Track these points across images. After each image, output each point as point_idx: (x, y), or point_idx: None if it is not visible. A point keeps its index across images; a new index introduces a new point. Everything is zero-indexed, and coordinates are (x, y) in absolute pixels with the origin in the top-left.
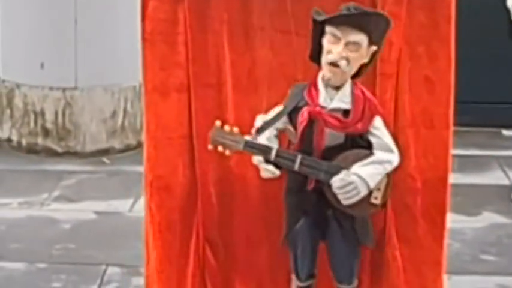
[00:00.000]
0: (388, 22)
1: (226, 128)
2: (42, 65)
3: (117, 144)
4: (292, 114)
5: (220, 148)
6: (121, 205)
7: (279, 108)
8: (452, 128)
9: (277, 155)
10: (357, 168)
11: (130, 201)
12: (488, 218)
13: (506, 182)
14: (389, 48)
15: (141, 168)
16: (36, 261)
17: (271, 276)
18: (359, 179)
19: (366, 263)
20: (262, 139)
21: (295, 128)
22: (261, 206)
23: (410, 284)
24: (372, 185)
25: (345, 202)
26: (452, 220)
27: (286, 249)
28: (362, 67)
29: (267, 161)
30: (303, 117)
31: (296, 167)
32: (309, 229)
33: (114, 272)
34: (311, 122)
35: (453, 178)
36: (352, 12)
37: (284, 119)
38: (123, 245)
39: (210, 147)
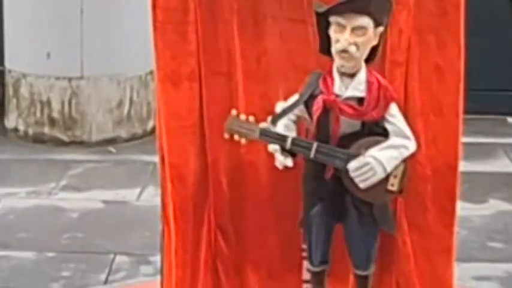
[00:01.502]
0: (391, 1)
1: (242, 116)
2: (48, 55)
3: (123, 133)
4: (308, 103)
5: (236, 137)
6: (128, 194)
7: (296, 97)
8: (462, 116)
9: (292, 143)
10: (372, 151)
11: (138, 190)
12: (495, 205)
13: None
14: (399, 36)
15: (147, 157)
16: (44, 250)
17: (282, 263)
18: (374, 160)
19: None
20: (280, 127)
21: (311, 116)
22: (272, 193)
23: (420, 270)
24: (388, 167)
25: (362, 185)
26: (459, 208)
27: (298, 236)
28: (373, 50)
29: (283, 150)
30: (317, 106)
31: (312, 154)
32: (325, 215)
33: (122, 261)
34: (326, 110)
35: (460, 158)
36: None
37: (301, 107)
38: (131, 234)
39: (226, 135)
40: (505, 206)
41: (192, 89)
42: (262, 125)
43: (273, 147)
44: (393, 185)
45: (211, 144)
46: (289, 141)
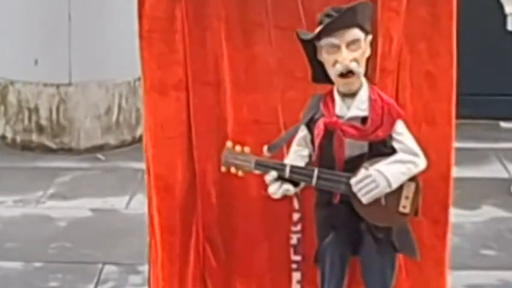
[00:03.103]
0: (370, 6)
1: (237, 148)
2: (36, 62)
3: (112, 140)
4: (311, 128)
5: (233, 169)
6: (117, 202)
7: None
8: (454, 125)
9: (291, 171)
10: (376, 165)
11: (126, 198)
12: (488, 212)
13: (505, 175)
14: (390, 44)
15: (136, 165)
16: (32, 260)
17: (271, 276)
18: (377, 172)
19: None
20: (293, 159)
21: (313, 141)
22: (262, 204)
23: (413, 281)
24: (394, 182)
25: (364, 199)
26: (452, 214)
27: (287, 249)
28: (367, 61)
29: (283, 179)
30: (319, 129)
31: (314, 181)
32: (339, 244)
33: (110, 271)
34: (329, 133)
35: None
36: (335, 14)
37: (308, 135)
38: (120, 243)
39: (223, 169)
40: (498, 212)
41: (179, 99)
42: (256, 156)
43: (268, 178)
44: (405, 206)
45: (199, 155)
46: (287, 169)
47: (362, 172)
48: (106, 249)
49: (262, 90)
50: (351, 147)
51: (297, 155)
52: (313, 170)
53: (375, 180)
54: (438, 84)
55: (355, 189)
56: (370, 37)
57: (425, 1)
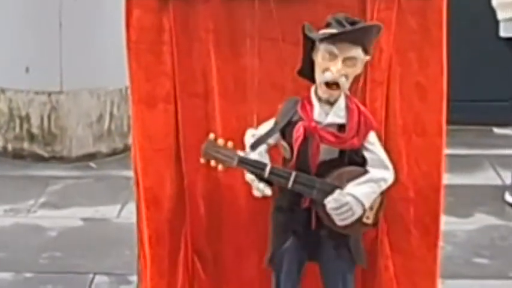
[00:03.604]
0: (379, 30)
1: (220, 141)
2: (27, 69)
3: (104, 148)
4: (285, 130)
5: (212, 162)
6: (108, 211)
7: (270, 123)
8: (445, 136)
9: (270, 172)
10: (351, 187)
11: (118, 207)
12: (481, 219)
13: (498, 181)
14: (379, 54)
15: (128, 173)
16: (23, 270)
17: (261, 287)
18: (354, 199)
19: (358, 273)
20: (254, 155)
21: (289, 144)
22: (250, 216)
23: None
24: (367, 204)
25: (339, 223)
26: (444, 222)
27: None
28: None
29: (260, 179)
30: (298, 133)
31: (290, 184)
32: (297, 250)
33: (102, 281)
34: (306, 138)
35: (444, 178)
36: (347, 27)
37: (276, 134)
38: (111, 252)
39: (202, 160)
40: (491, 220)
41: (168, 111)
42: (241, 152)
43: (250, 177)
44: (369, 217)
45: (188, 168)
46: (267, 170)
47: (339, 199)
48: (97, 259)
49: (251, 102)
50: (324, 152)
51: (257, 151)
52: (290, 173)
53: (352, 208)
54: (428, 95)
55: (331, 212)
56: (367, 58)
57: (415, 11)
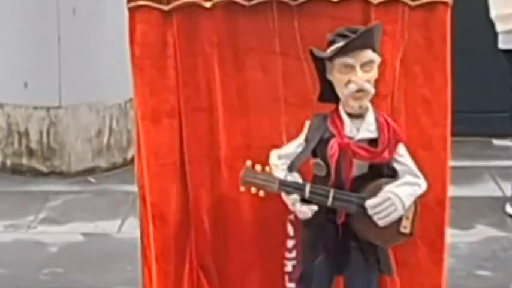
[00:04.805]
0: (381, 27)
1: (258, 167)
2: (25, 84)
3: (103, 163)
4: (316, 147)
5: (253, 189)
6: (109, 226)
7: (299, 141)
8: (449, 149)
9: (310, 192)
10: (390, 187)
11: (118, 221)
12: (482, 231)
13: (499, 193)
14: (384, 67)
15: (128, 187)
16: (24, 286)
17: None
18: (395, 195)
19: None
20: (290, 176)
21: (325, 161)
22: (255, 231)
23: None
24: (407, 203)
25: (381, 222)
26: (447, 234)
27: (282, 274)
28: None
29: (301, 199)
30: (333, 150)
31: (329, 202)
32: (328, 265)
33: None
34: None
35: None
36: (351, 36)
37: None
38: (112, 268)
39: (242, 188)
40: (492, 231)
41: (172, 126)
42: (279, 175)
43: (292, 198)
44: (406, 227)
45: (193, 182)
46: (307, 189)
47: (381, 195)
48: (98, 274)
49: (255, 116)
50: (357, 167)
51: (283, 168)
52: (329, 191)
53: (394, 203)
54: (434, 109)
55: (371, 212)
56: (379, 59)
57: (420, 25)
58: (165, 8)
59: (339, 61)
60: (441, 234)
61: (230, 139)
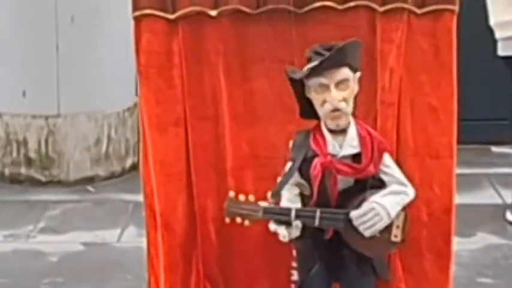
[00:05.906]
0: (360, 44)
1: (241, 197)
2: (24, 93)
3: (101, 171)
4: (301, 166)
5: (238, 219)
6: (108, 235)
7: (289, 165)
8: (455, 157)
9: (297, 215)
10: (374, 197)
11: (118, 231)
12: (483, 239)
13: (498, 200)
14: (390, 76)
15: (127, 196)
16: None
17: None
18: (378, 205)
19: None
20: (284, 202)
21: (306, 179)
22: (261, 241)
23: None
24: (392, 213)
25: (367, 232)
26: None
27: (288, 285)
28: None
29: (286, 223)
30: (316, 171)
31: (316, 222)
32: (324, 273)
33: None
34: (323, 172)
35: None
36: (325, 54)
37: (296, 173)
38: (112, 277)
39: (227, 220)
40: (493, 239)
41: (178, 135)
42: (264, 203)
43: (273, 225)
44: (396, 235)
45: (199, 192)
46: (293, 213)
47: (365, 205)
48: (98, 284)
49: (261, 125)
50: (342, 181)
51: (293, 194)
52: (315, 211)
53: (379, 213)
54: (441, 117)
55: (356, 223)
56: (358, 74)
57: (425, 32)
58: (171, 16)
59: (313, 81)
60: (448, 242)
61: (236, 149)
